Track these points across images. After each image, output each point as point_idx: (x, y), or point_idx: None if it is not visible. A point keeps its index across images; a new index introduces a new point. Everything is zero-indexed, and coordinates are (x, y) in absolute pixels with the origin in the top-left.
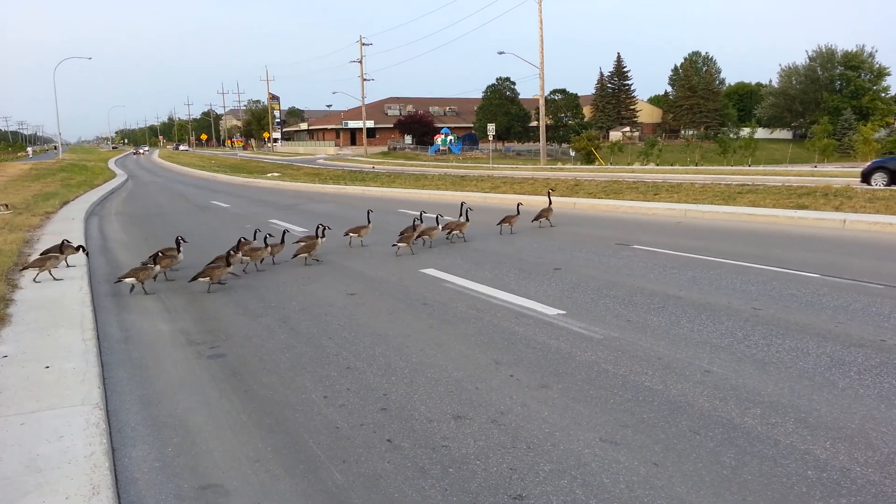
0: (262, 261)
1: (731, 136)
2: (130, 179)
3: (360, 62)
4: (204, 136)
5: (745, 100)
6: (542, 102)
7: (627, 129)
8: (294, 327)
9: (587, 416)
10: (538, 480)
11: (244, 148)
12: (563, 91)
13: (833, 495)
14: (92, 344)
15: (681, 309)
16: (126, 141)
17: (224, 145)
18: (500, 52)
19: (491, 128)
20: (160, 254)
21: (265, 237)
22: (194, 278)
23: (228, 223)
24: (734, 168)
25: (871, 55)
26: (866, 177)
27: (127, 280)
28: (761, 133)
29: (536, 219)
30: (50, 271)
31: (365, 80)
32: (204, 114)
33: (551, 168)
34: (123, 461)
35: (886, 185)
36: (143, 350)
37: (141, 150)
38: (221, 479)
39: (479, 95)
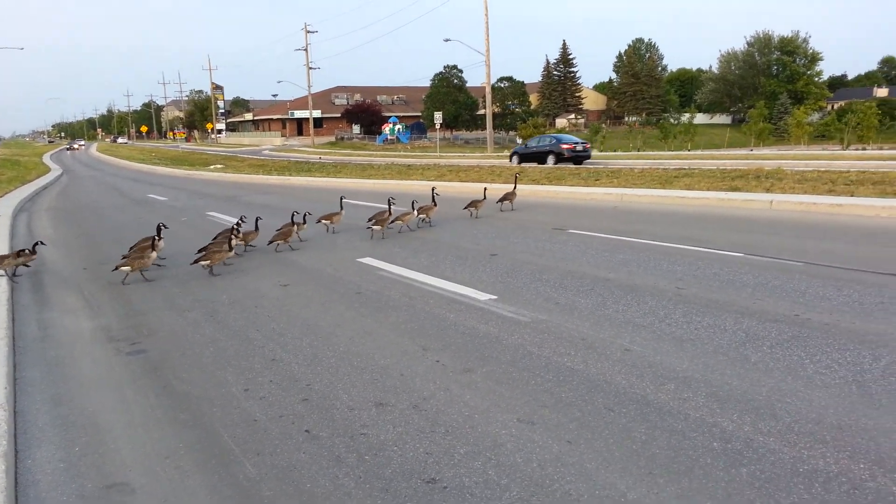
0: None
1: (672, 121)
2: (66, 174)
3: (306, 50)
4: (144, 129)
5: (687, 86)
6: (488, 90)
7: (573, 116)
8: (222, 321)
9: (508, 397)
10: (453, 463)
11: (187, 140)
12: (509, 79)
13: (735, 465)
14: (4, 343)
15: (608, 290)
16: (63, 135)
17: (166, 137)
18: (447, 40)
19: (438, 116)
20: (156, 238)
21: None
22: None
23: (164, 217)
24: (674, 153)
25: (806, 40)
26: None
27: (122, 269)
28: (702, 118)
29: (500, 201)
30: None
31: (311, 68)
32: (145, 105)
33: (498, 156)
34: (26, 463)
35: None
36: (61, 348)
37: (76, 145)
38: (128, 478)
39: (428, 84)
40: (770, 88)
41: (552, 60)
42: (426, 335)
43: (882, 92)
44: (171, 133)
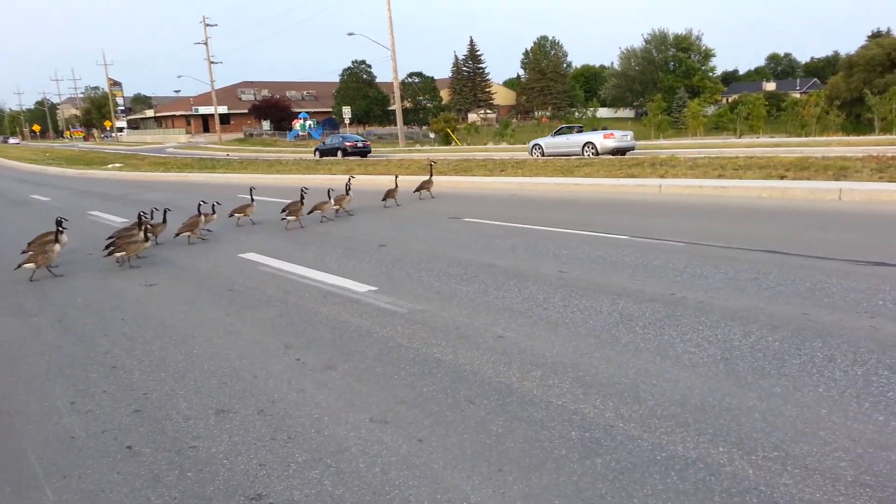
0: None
1: (578, 115)
2: None
3: (206, 44)
4: (37, 127)
5: (591, 81)
6: (396, 84)
7: (484, 111)
8: (68, 326)
9: (365, 395)
10: (287, 475)
11: (85, 139)
12: (419, 74)
13: (590, 455)
14: None
15: (492, 277)
16: None
17: (63, 137)
18: (350, 34)
19: (346, 111)
20: (59, 231)
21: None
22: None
23: (43, 217)
24: None
25: (699, 38)
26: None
27: (26, 266)
28: (606, 112)
29: (417, 190)
30: None
31: (212, 62)
32: (38, 103)
33: (408, 150)
34: None
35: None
36: None
37: None
38: None
39: (338, 79)
40: (668, 83)
41: (461, 57)
42: (293, 332)
43: (770, 86)
44: (69, 132)
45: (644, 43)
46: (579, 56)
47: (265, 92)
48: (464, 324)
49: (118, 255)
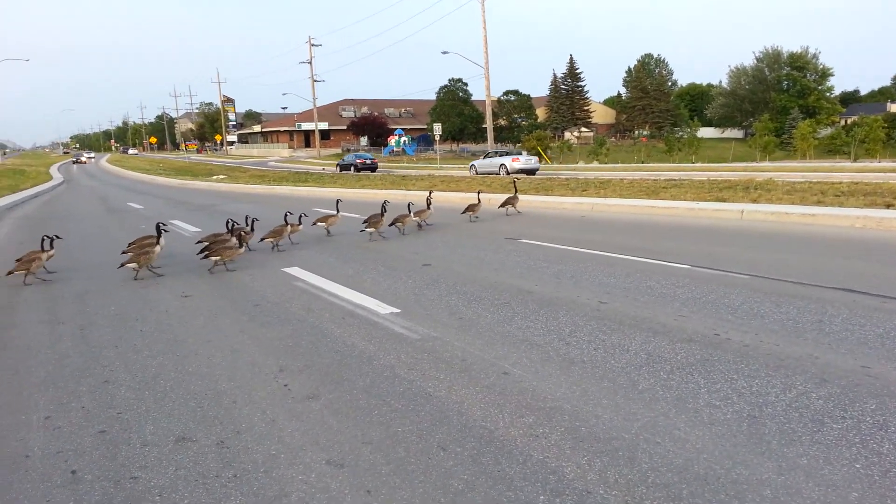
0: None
1: (682, 135)
2: (66, 183)
3: (310, 63)
4: (153, 140)
5: (697, 100)
6: (488, 102)
7: (582, 129)
8: (87, 336)
9: (335, 431)
10: None
11: (198, 151)
12: (515, 92)
13: None
14: None
15: (524, 304)
16: (77, 146)
17: (179, 149)
18: (444, 52)
19: (437, 128)
20: (158, 236)
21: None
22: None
23: (126, 225)
24: (675, 165)
25: (816, 56)
26: None
27: (129, 266)
28: (711, 132)
29: (503, 205)
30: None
31: (316, 81)
32: (158, 117)
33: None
34: None
35: None
36: None
37: (83, 157)
38: None
39: (434, 97)
40: (781, 103)
41: (559, 74)
42: (295, 354)
43: (895, 107)
44: (184, 144)
45: (755, 61)
46: (685, 74)
47: (364, 109)
48: (472, 356)
49: (213, 259)
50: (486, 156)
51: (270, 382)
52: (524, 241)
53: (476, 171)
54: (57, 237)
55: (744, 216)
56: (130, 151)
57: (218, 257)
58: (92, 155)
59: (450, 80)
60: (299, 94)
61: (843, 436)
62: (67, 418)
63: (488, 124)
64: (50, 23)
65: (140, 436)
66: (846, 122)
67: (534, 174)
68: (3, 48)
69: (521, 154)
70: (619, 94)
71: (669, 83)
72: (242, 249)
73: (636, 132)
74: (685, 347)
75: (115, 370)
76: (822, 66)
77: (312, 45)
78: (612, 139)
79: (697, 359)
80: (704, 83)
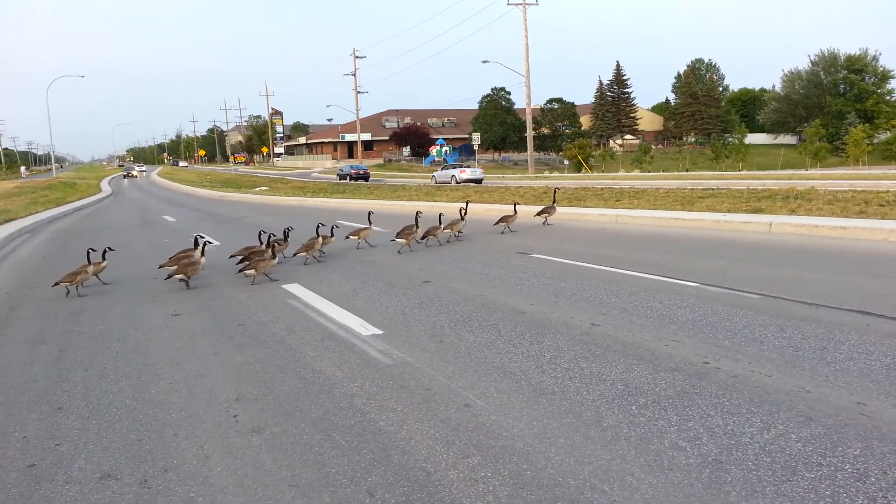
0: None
1: (734, 140)
2: (112, 196)
3: (354, 75)
4: (202, 152)
5: (749, 105)
6: (528, 111)
7: (628, 136)
8: (63, 358)
9: (266, 471)
10: None
11: (246, 163)
12: (559, 100)
13: None
14: None
15: (512, 325)
16: (132, 159)
17: (228, 161)
18: (484, 61)
19: (476, 137)
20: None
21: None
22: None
23: (153, 238)
24: (719, 173)
25: (875, 58)
26: None
27: (175, 276)
28: (763, 139)
29: (539, 214)
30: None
31: (359, 92)
32: (209, 130)
33: (535, 177)
34: None
35: None
36: None
37: (134, 171)
38: None
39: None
40: (837, 108)
41: (605, 82)
42: (258, 380)
43: None
44: (233, 157)
45: (810, 65)
46: (737, 79)
47: (408, 119)
48: (439, 384)
49: (248, 272)
50: (444, 167)
51: (221, 413)
52: (535, 255)
53: (436, 180)
54: (109, 249)
55: (772, 229)
56: (181, 164)
57: (253, 270)
58: (143, 168)
59: (492, 90)
60: (344, 105)
61: (814, 487)
62: (4, 449)
63: (528, 133)
64: (105, 41)
65: (67, 471)
66: None
67: (480, 183)
68: (60, 66)
69: (469, 167)
70: (668, 101)
71: (720, 88)
72: (275, 260)
73: (684, 139)
74: (667, 377)
75: (73, 396)
76: (882, 69)
77: (357, 57)
78: (659, 146)
79: (677, 391)
80: (757, 88)
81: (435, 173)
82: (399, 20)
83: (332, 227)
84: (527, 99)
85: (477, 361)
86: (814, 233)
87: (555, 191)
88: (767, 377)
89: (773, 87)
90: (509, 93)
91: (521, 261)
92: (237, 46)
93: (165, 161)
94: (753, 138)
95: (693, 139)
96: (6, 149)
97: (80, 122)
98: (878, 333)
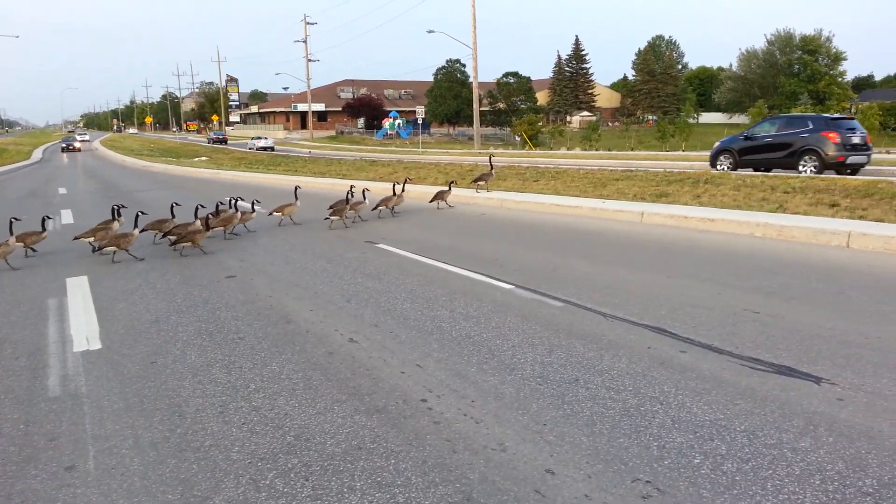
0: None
1: (690, 119)
2: (38, 164)
3: (305, 42)
4: (149, 119)
5: (706, 84)
6: (475, 84)
7: (585, 113)
8: None
9: None
10: None
11: (198, 132)
12: (515, 74)
13: None
14: None
15: (258, 340)
16: (83, 125)
17: (181, 129)
18: (430, 31)
19: (420, 110)
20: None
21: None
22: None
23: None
24: (654, 153)
25: (829, 39)
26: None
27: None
28: (718, 118)
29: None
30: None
31: (311, 60)
32: (163, 97)
33: (477, 153)
34: None
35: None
36: None
37: (76, 143)
38: None
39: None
40: (790, 88)
41: (564, 56)
42: None
43: None
44: (186, 125)
45: (766, 44)
46: (697, 57)
47: (364, 90)
48: (96, 421)
49: (182, 244)
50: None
51: None
52: (381, 245)
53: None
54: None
55: (643, 219)
56: (131, 131)
57: (187, 243)
58: (87, 137)
59: (447, 62)
60: (297, 74)
61: None
62: None
63: (475, 107)
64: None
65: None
66: (856, 107)
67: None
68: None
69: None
70: (626, 78)
71: (679, 66)
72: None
73: (641, 117)
74: (359, 423)
75: None
76: (835, 50)
77: (308, 23)
78: (616, 124)
79: (356, 444)
80: (715, 67)
81: (249, 142)
82: None
83: (253, 202)
84: (473, 72)
85: (155, 391)
86: (683, 224)
87: (488, 173)
88: (477, 423)
89: (731, 66)
90: (464, 65)
91: (360, 252)
92: (190, 7)
93: (114, 127)
94: (709, 118)
95: (651, 117)
96: None
97: (35, 85)
98: (648, 360)
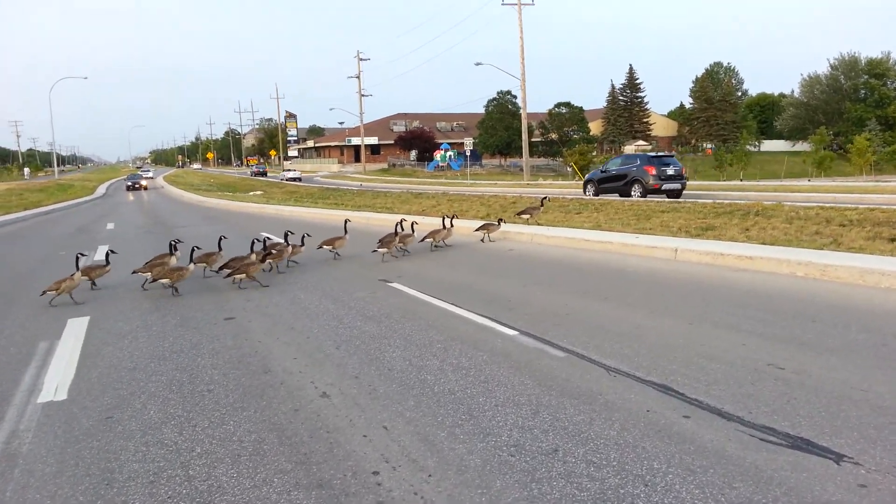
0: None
1: (751, 147)
2: (100, 199)
3: (358, 77)
4: (210, 155)
5: (767, 111)
6: (524, 115)
7: (640, 142)
8: None
9: None
10: None
11: (247, 166)
12: (567, 104)
13: None
14: None
15: (227, 391)
16: (147, 161)
17: (242, 164)
18: (477, 64)
19: (468, 142)
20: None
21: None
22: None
23: (58, 246)
24: (711, 183)
25: None
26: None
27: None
28: (781, 145)
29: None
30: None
31: (363, 95)
32: (226, 133)
33: (525, 184)
34: None
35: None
36: None
37: (142, 180)
38: None
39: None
40: (857, 114)
41: (618, 86)
42: None
43: None
44: (247, 160)
45: (830, 69)
46: (757, 84)
47: (416, 123)
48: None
49: (237, 277)
50: (283, 171)
51: None
52: (394, 285)
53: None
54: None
55: (677, 256)
56: (195, 166)
57: (242, 275)
58: (150, 174)
59: (498, 93)
60: (352, 109)
61: None
62: None
63: (524, 138)
64: (122, 43)
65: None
66: None
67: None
68: (82, 66)
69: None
70: (682, 105)
71: (739, 93)
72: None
73: (699, 145)
74: (292, 500)
75: None
76: None
77: (361, 59)
78: (672, 153)
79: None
80: (776, 93)
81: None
82: (404, 21)
83: (303, 236)
84: (522, 103)
85: (96, 453)
86: (719, 262)
87: (541, 201)
88: None
89: (793, 91)
90: (515, 96)
91: (370, 292)
92: (250, 48)
93: (179, 163)
94: (771, 145)
95: (708, 145)
96: (30, 150)
97: (106, 124)
98: (644, 426)
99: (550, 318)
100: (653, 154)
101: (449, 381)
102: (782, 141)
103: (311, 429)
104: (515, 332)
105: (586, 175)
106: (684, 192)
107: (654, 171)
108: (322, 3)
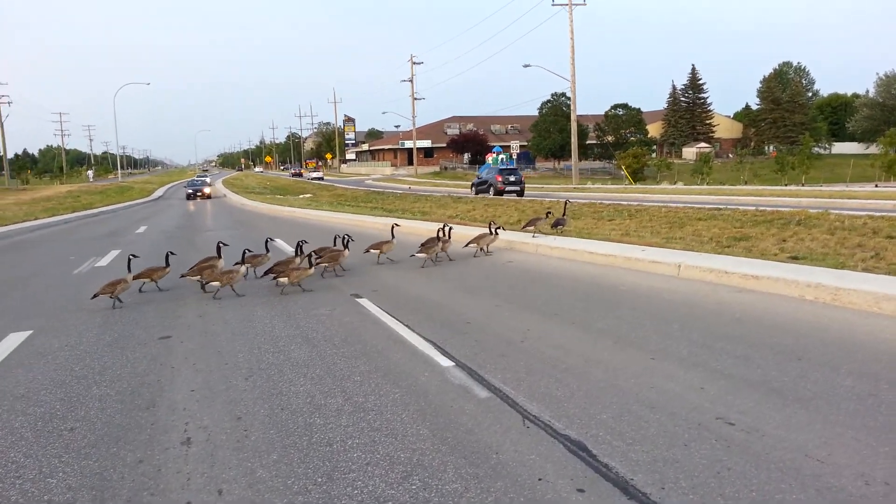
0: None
1: (821, 150)
2: (153, 201)
3: (411, 81)
4: (269, 159)
5: (839, 112)
6: (573, 117)
7: (703, 144)
8: None
9: None
10: None
11: (316, 169)
12: (624, 106)
13: None
14: None
15: (82, 436)
16: (214, 164)
17: (302, 167)
18: (526, 66)
19: (514, 145)
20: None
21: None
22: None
23: (74, 250)
24: (767, 188)
25: None
26: (471, 189)
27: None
28: (855, 148)
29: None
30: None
31: (416, 98)
32: (288, 137)
33: (573, 188)
34: None
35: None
36: None
37: (204, 187)
38: None
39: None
40: None
41: (679, 86)
42: None
43: None
44: (306, 163)
45: None
46: (829, 84)
47: (470, 126)
48: None
49: (281, 280)
50: (308, 171)
51: None
52: (362, 300)
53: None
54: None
55: (680, 272)
56: (257, 169)
57: (285, 278)
58: (207, 178)
59: (552, 95)
60: (406, 113)
61: None
62: None
63: (573, 140)
64: (190, 51)
65: None
66: None
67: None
68: (156, 73)
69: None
70: (747, 106)
71: (809, 94)
72: (312, 270)
73: (761, 147)
74: None
75: None
76: None
77: (414, 62)
78: (732, 156)
79: None
80: (849, 93)
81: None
82: (461, 22)
83: (347, 241)
84: (572, 105)
85: None
86: (722, 280)
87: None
88: None
89: (867, 91)
90: (569, 98)
91: (331, 309)
92: (311, 52)
93: (242, 166)
94: (843, 147)
95: (775, 147)
96: (104, 153)
97: (176, 128)
98: (523, 502)
99: (501, 346)
100: (502, 167)
101: (336, 429)
102: (855, 143)
103: (135, 489)
104: (451, 364)
105: (473, 180)
106: (707, 200)
107: (500, 179)
108: (383, 13)
